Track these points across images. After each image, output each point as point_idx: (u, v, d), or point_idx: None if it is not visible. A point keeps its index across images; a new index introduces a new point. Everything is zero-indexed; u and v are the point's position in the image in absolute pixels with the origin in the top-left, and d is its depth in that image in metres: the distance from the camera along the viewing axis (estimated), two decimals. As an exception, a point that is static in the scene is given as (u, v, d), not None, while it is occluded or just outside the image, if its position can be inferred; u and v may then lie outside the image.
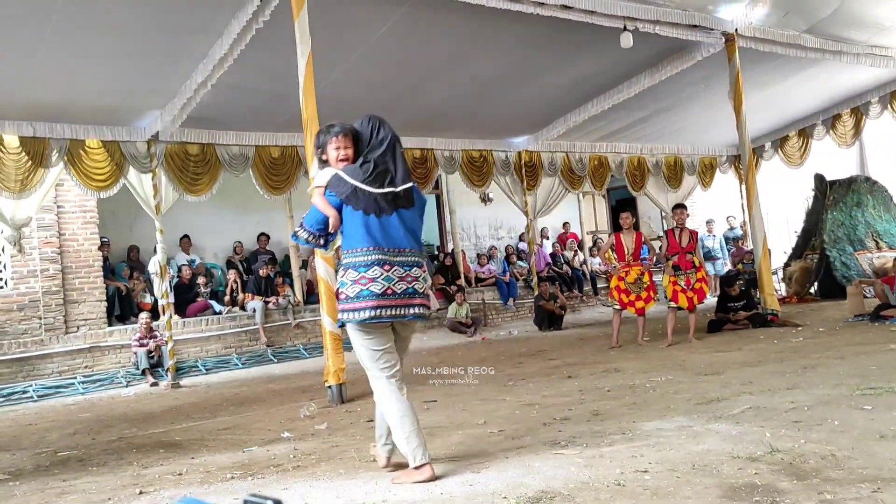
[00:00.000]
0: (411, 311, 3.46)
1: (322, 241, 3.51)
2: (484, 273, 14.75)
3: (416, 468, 3.36)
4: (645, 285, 8.71)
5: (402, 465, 3.55)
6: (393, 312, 3.40)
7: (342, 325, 3.52)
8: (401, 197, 3.49)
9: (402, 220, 3.49)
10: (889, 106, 13.09)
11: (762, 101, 12.18)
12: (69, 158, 9.22)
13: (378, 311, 3.37)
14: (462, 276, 14.22)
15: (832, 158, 14.88)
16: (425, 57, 9.09)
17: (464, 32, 8.63)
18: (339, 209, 3.45)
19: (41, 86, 8.17)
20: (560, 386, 6.33)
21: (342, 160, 3.52)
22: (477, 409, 5.50)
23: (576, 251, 16.11)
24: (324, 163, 3.63)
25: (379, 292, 3.37)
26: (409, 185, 3.56)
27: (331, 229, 3.46)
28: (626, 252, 8.75)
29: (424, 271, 3.59)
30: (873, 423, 3.77)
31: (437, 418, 5.29)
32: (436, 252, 15.80)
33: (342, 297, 3.44)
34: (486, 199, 15.95)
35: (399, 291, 3.41)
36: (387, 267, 3.41)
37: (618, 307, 8.87)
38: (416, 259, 3.54)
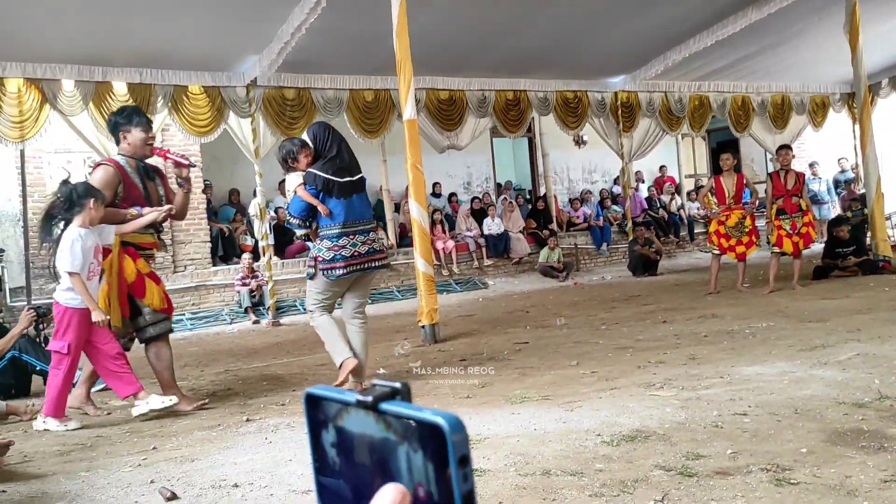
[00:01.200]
0: (373, 265, 4.67)
1: (309, 223, 4.61)
2: (577, 217, 14.57)
3: (339, 366, 4.48)
4: (747, 229, 8.40)
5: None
6: (358, 268, 4.56)
7: (311, 277, 4.62)
8: (356, 183, 4.64)
9: (360, 200, 4.66)
10: None
11: (880, 34, 11.32)
12: (173, 104, 9.57)
13: (347, 269, 4.51)
14: (554, 220, 14.08)
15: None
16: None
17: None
18: (316, 197, 4.51)
19: (146, 34, 8.45)
20: (654, 330, 6.24)
21: (308, 164, 4.61)
22: (570, 352, 5.50)
23: (673, 195, 15.63)
24: (291, 168, 4.65)
25: (348, 255, 4.51)
26: (361, 174, 4.73)
27: (323, 214, 4.52)
28: (726, 195, 8.44)
29: (379, 234, 4.97)
30: None
31: (529, 359, 5.33)
32: (528, 196, 15.69)
33: (320, 259, 4.53)
34: (580, 142, 15.64)
35: (363, 252, 4.57)
36: (352, 236, 4.55)
37: (717, 252, 8.61)
38: (372, 226, 4.75)
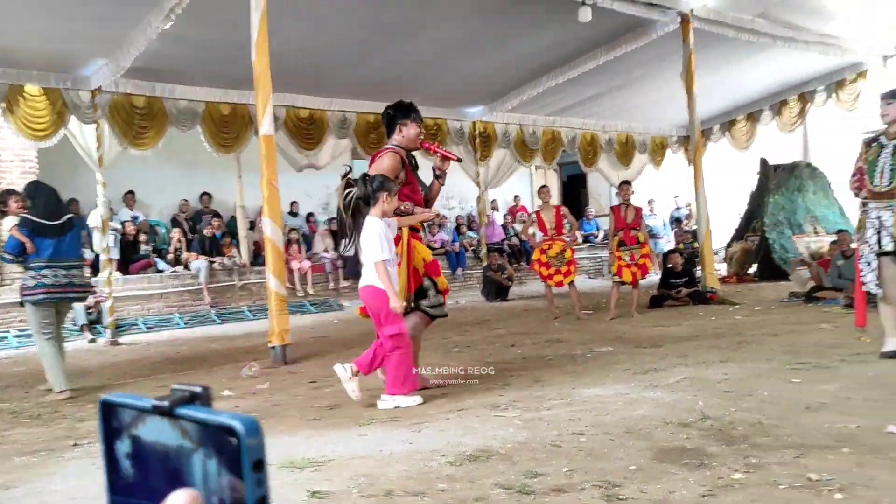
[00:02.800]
0: (70, 295, 5.78)
1: (21, 259, 5.61)
2: (435, 242, 14.77)
3: (59, 392, 5.54)
4: (566, 260, 8.86)
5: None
6: (56, 297, 5.61)
7: (22, 304, 5.69)
8: (65, 225, 5.70)
9: (68, 239, 5.70)
10: (834, 94, 13.43)
11: (713, 83, 12.35)
12: (7, 105, 8.86)
13: (47, 295, 5.54)
14: (411, 244, 14.18)
15: (776, 143, 15.24)
16: (381, 19, 8.96)
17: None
18: (29, 237, 5.54)
19: (-21, 26, 7.81)
20: (504, 354, 6.41)
21: (22, 210, 5.71)
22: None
23: (525, 223, 16.22)
24: (3, 213, 6.00)
25: (48, 284, 5.53)
26: (69, 216, 5.85)
27: (29, 252, 5.54)
28: (548, 226, 8.89)
29: (82, 271, 5.95)
30: (800, 395, 3.92)
31: (378, 381, 5.31)
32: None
33: (25, 287, 5.57)
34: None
35: (63, 283, 5.60)
36: (55, 269, 5.58)
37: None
38: (77, 263, 5.80)
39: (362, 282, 4.44)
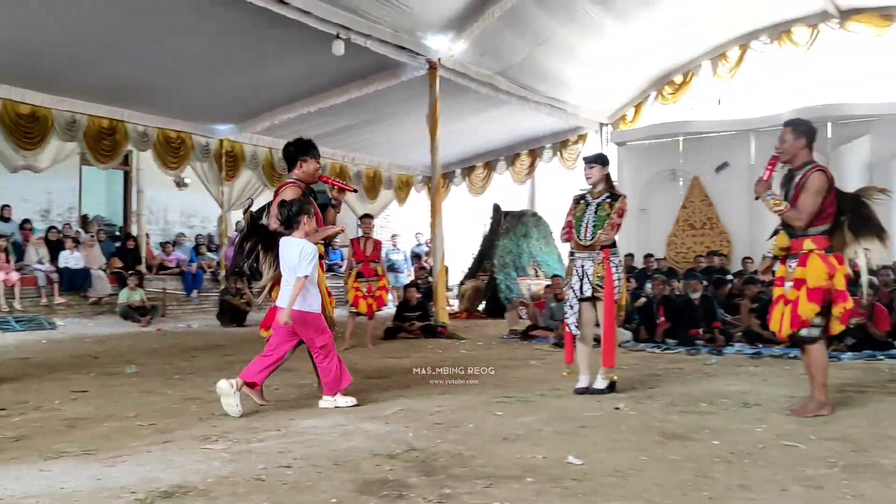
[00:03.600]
0: None
1: None
2: (170, 261, 13.95)
3: None
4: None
5: None
6: None
7: None
8: None
9: None
10: (559, 152, 14.94)
11: (457, 130, 13.15)
12: None
13: None
14: (143, 261, 13.30)
15: (509, 191, 16.56)
16: (127, 21, 8.41)
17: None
18: None
19: None
20: (228, 382, 6.18)
21: None
22: (133, 402, 5.16)
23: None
24: None
25: None
26: None
27: None
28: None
29: None
30: (501, 427, 4.23)
31: (83, 409, 4.87)
32: (117, 233, 14.61)
33: None
34: (181, 184, 15.13)
35: None
36: None
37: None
38: None
39: (296, 305, 4.67)
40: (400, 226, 18.06)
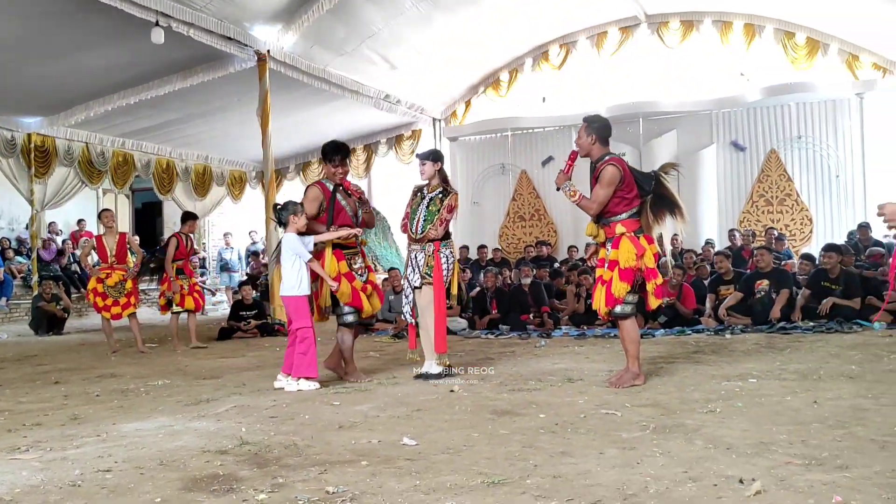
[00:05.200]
0: None
1: None
2: (-30, 267, 12.68)
3: None
4: (126, 290, 8.43)
5: None
6: None
7: None
8: None
9: None
10: (395, 148, 15.06)
11: (290, 124, 12.91)
12: None
13: None
14: (-60, 268, 12.00)
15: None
16: None
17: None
18: None
19: None
20: (43, 392, 5.74)
21: None
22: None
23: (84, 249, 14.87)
24: None
25: None
26: None
27: None
28: (108, 254, 8.39)
29: None
30: (337, 416, 4.23)
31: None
32: None
33: None
34: (-17, 182, 13.77)
35: None
36: None
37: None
38: None
39: (281, 291, 5.47)
40: (237, 223, 17.40)
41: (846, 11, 11.31)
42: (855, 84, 11.96)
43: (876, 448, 3.08)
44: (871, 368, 5.15)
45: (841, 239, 10.57)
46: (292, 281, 5.35)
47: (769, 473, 2.77)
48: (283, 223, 5.40)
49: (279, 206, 5.47)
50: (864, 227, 10.37)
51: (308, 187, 5.80)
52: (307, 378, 5.26)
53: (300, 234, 5.35)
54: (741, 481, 2.69)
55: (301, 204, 5.45)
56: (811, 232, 11.99)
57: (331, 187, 5.63)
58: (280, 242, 5.51)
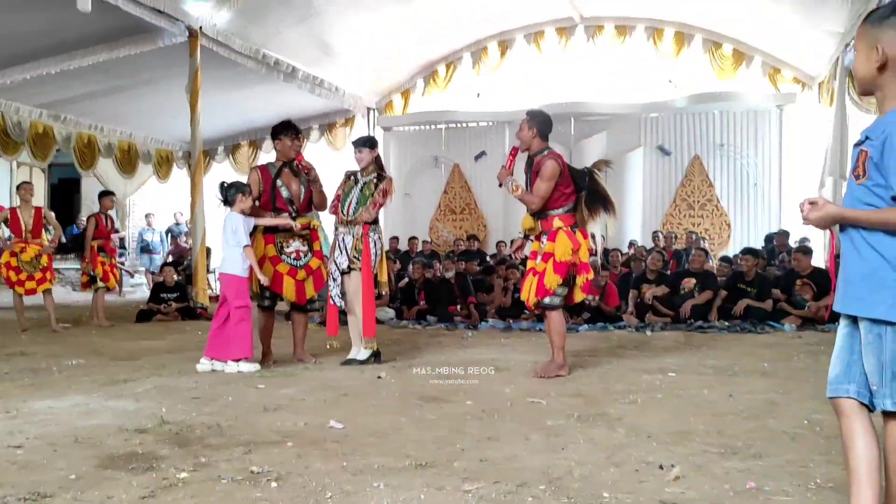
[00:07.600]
0: None
1: None
2: None
3: None
4: (41, 266, 8.17)
5: None
6: None
7: None
8: None
9: None
10: (326, 134, 14.88)
11: (220, 103, 12.54)
12: None
13: None
14: None
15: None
16: None
17: None
18: None
19: None
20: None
21: None
22: None
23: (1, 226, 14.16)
24: None
25: None
26: None
27: None
28: (23, 228, 8.11)
29: None
30: (262, 399, 4.16)
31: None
32: None
33: None
34: None
35: None
36: None
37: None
38: None
39: (221, 268, 5.47)
40: (160, 205, 16.84)
41: (771, 26, 11.75)
42: (776, 96, 12.45)
43: (787, 439, 3.22)
44: (782, 366, 5.38)
45: (757, 244, 11.01)
46: (236, 260, 5.34)
47: (687, 460, 2.87)
48: (229, 202, 5.40)
49: (226, 185, 5.47)
50: (782, 235, 10.83)
51: (250, 171, 5.94)
52: (246, 360, 5.22)
53: (244, 215, 5.39)
54: (661, 467, 2.77)
55: (249, 185, 5.51)
56: (729, 237, 12.44)
57: (273, 172, 5.68)
58: (225, 220, 5.47)
